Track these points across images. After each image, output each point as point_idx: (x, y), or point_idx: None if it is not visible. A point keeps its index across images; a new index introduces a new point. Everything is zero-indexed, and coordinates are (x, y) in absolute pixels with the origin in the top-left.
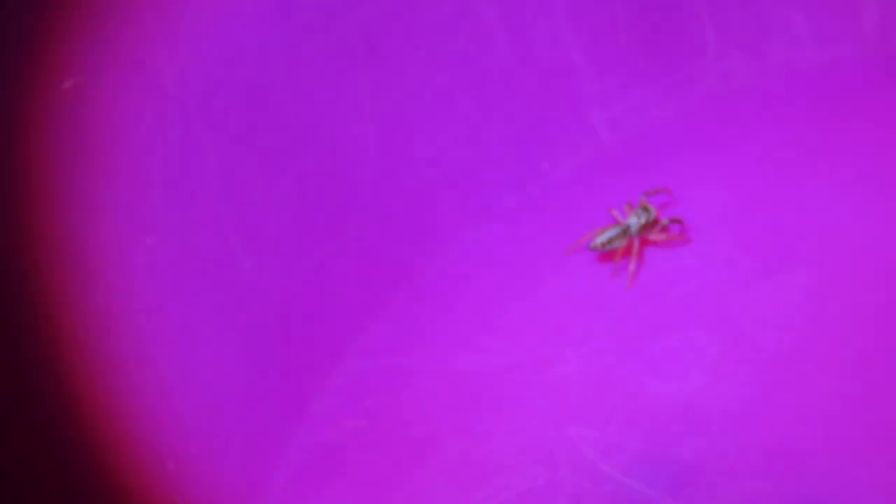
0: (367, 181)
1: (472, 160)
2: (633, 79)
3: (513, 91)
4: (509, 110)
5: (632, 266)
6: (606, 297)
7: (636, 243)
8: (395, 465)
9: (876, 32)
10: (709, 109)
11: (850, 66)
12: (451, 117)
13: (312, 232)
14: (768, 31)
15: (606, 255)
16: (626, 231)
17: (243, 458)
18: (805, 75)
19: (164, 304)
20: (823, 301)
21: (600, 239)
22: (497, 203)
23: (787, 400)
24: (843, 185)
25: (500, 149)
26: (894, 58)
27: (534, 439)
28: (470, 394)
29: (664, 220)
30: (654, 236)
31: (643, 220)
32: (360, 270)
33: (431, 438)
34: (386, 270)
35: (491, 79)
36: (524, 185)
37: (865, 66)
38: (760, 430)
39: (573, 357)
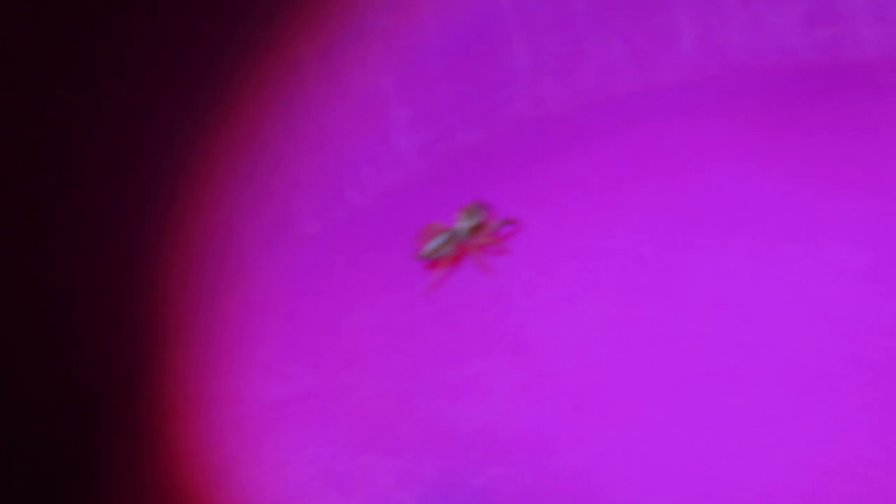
0: None
1: (277, 186)
2: (444, 104)
3: (321, 116)
4: (316, 136)
5: (442, 272)
6: (411, 322)
7: (467, 247)
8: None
9: (692, 58)
10: (521, 135)
11: (666, 93)
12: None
13: None
14: (583, 58)
15: (434, 263)
16: (454, 236)
17: None
18: (620, 102)
19: None
20: (624, 329)
21: (430, 246)
22: (303, 230)
23: (586, 427)
24: (652, 212)
25: (307, 175)
26: (709, 83)
27: (329, 467)
28: (267, 422)
29: (494, 223)
30: (484, 240)
31: (472, 224)
32: (163, 296)
33: (225, 465)
34: (189, 298)
35: (297, 103)
36: (331, 212)
37: (681, 93)
38: (559, 458)
39: (373, 384)
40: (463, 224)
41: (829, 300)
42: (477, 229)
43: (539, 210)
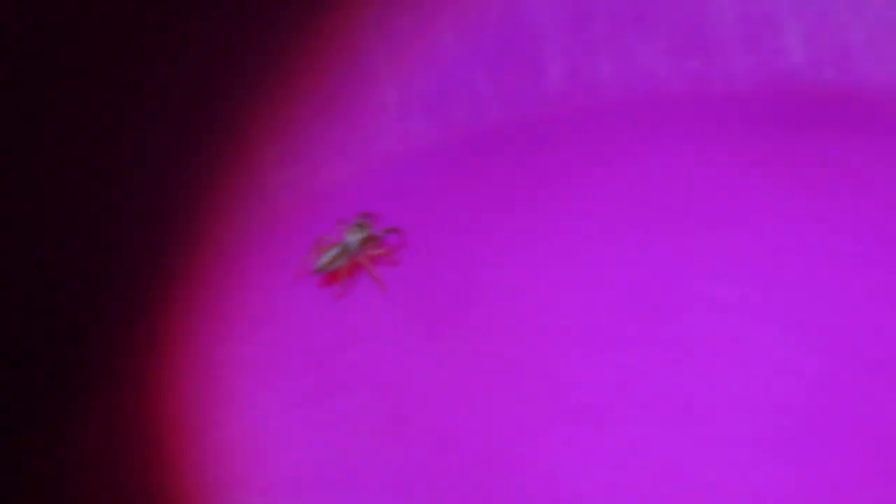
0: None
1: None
2: (311, 138)
3: (199, 159)
4: (206, 180)
5: (342, 284)
6: (275, 354)
7: (360, 260)
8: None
9: (560, 91)
10: (390, 171)
11: (534, 126)
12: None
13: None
14: (450, 92)
15: (331, 276)
16: (346, 249)
17: None
18: (487, 136)
19: None
20: (456, 369)
21: (323, 259)
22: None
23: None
24: (519, 242)
25: (180, 218)
26: (578, 117)
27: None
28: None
29: (381, 233)
30: (375, 251)
31: (361, 237)
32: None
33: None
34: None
35: (172, 140)
36: (206, 258)
37: (549, 126)
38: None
39: (238, 421)
40: (352, 237)
41: (700, 335)
42: (366, 241)
43: (407, 247)
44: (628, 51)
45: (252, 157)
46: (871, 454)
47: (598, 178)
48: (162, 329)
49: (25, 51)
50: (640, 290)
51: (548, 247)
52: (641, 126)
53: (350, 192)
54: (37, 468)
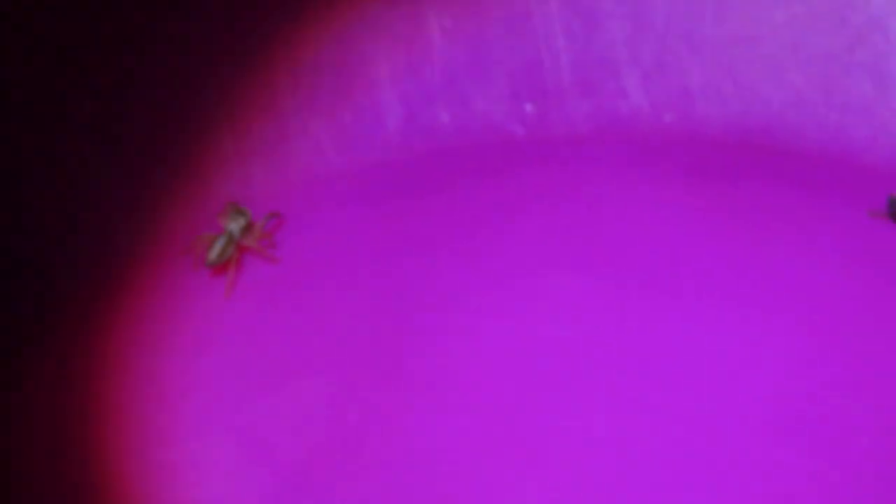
0: None
1: None
2: (157, 194)
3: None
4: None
5: (230, 277)
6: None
7: (248, 246)
8: None
9: (398, 137)
10: None
11: (372, 172)
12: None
13: None
14: (287, 138)
15: (221, 267)
16: (231, 237)
17: None
18: (326, 182)
19: None
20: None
21: (213, 252)
22: None
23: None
24: (360, 287)
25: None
26: (417, 162)
27: None
28: None
29: (261, 220)
30: (256, 237)
31: (242, 223)
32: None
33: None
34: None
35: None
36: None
37: (387, 172)
38: None
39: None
40: (233, 225)
41: (539, 377)
42: (248, 228)
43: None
44: (465, 96)
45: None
46: None
47: (437, 226)
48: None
49: None
50: (486, 339)
51: (399, 294)
52: (482, 170)
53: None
54: None
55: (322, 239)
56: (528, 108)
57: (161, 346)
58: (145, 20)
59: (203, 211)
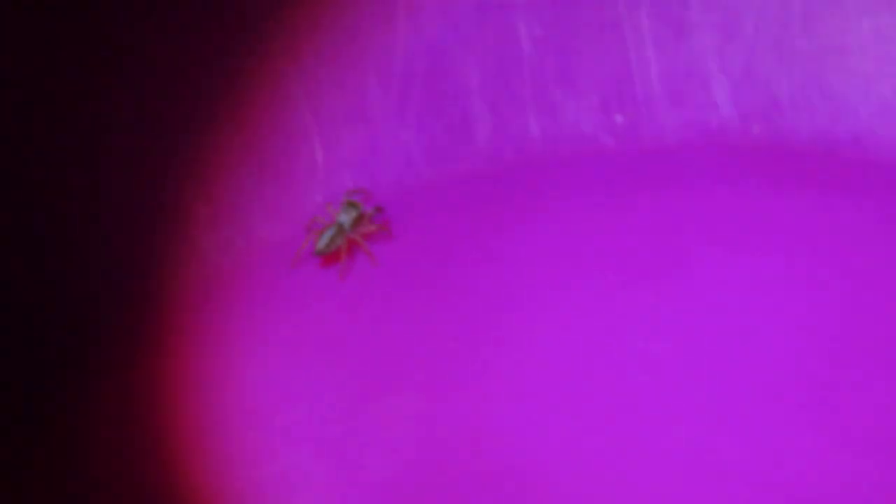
0: None
1: None
2: (244, 201)
3: (125, 216)
4: (123, 233)
5: (343, 265)
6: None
7: (355, 239)
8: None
9: (488, 148)
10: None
11: (463, 183)
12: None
13: None
14: (378, 150)
15: (331, 257)
16: (341, 229)
17: None
18: (418, 194)
19: None
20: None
21: (322, 241)
22: None
23: None
24: (460, 299)
25: (112, 269)
26: (506, 172)
27: None
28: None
29: (370, 211)
30: (367, 228)
31: (354, 215)
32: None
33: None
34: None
35: (103, 200)
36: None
37: (478, 183)
38: None
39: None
40: (344, 216)
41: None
42: (359, 220)
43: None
44: (556, 106)
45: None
46: None
47: (530, 234)
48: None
49: None
50: (574, 348)
51: (480, 301)
52: (572, 180)
53: (284, 250)
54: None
55: (412, 250)
56: (618, 118)
57: (251, 360)
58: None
59: (291, 220)
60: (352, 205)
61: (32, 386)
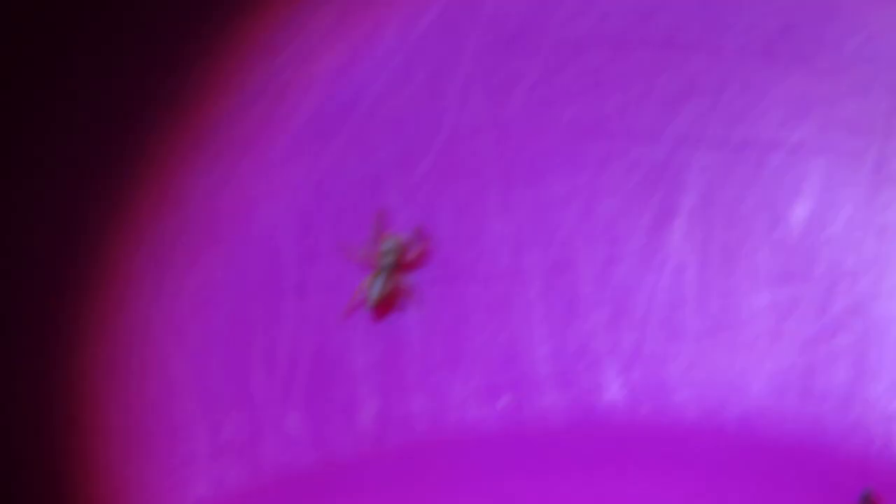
0: None
1: None
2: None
3: None
4: None
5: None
6: None
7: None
8: None
9: (373, 431)
10: None
11: (348, 468)
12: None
13: None
14: (262, 434)
15: (385, 305)
16: (389, 271)
17: None
18: (302, 479)
19: None
20: None
21: (375, 291)
22: None
23: None
24: None
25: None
26: (391, 456)
27: None
28: None
29: (408, 236)
30: (412, 256)
31: (395, 254)
32: None
33: None
34: None
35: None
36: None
37: (362, 468)
38: None
39: None
40: (388, 258)
41: None
42: (401, 251)
43: None
44: (442, 390)
45: None
46: None
47: None
48: None
49: None
50: None
51: None
52: (456, 467)
53: None
54: None
55: None
56: (504, 401)
57: None
58: None
59: None
60: (392, 241)
61: None
